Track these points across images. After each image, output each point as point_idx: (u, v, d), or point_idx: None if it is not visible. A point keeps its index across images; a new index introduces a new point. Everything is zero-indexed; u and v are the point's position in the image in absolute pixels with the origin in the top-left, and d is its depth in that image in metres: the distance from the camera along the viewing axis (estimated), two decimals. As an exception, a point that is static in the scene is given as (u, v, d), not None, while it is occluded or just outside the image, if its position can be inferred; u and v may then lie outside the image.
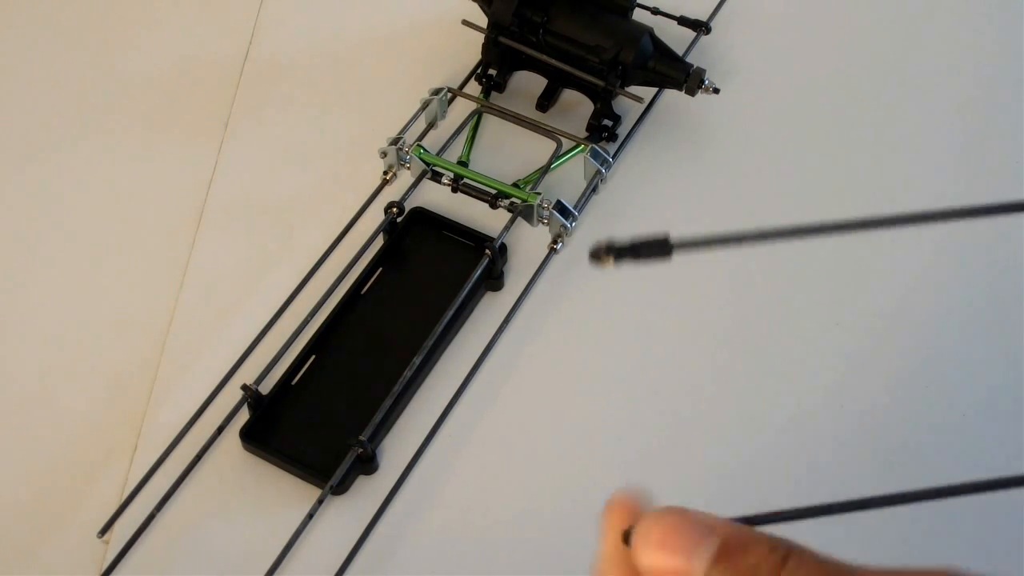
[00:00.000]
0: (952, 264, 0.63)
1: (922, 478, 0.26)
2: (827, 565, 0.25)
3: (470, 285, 0.59)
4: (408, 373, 0.56)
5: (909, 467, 0.55)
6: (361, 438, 0.53)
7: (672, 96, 0.70)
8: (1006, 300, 0.62)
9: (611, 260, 0.26)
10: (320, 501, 0.53)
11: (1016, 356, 0.59)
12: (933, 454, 0.55)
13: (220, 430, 0.56)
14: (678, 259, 0.70)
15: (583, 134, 0.68)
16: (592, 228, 0.65)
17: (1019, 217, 0.66)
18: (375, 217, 0.63)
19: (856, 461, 0.55)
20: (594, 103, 0.68)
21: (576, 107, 0.70)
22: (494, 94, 0.71)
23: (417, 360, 0.56)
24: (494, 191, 0.63)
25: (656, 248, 0.25)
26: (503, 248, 0.62)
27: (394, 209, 0.62)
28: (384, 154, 0.65)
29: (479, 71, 0.71)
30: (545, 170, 0.65)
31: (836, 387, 0.58)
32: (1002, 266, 0.63)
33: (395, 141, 0.64)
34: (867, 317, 0.61)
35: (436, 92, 0.67)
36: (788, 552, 0.25)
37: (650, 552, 0.26)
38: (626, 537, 0.27)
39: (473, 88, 0.71)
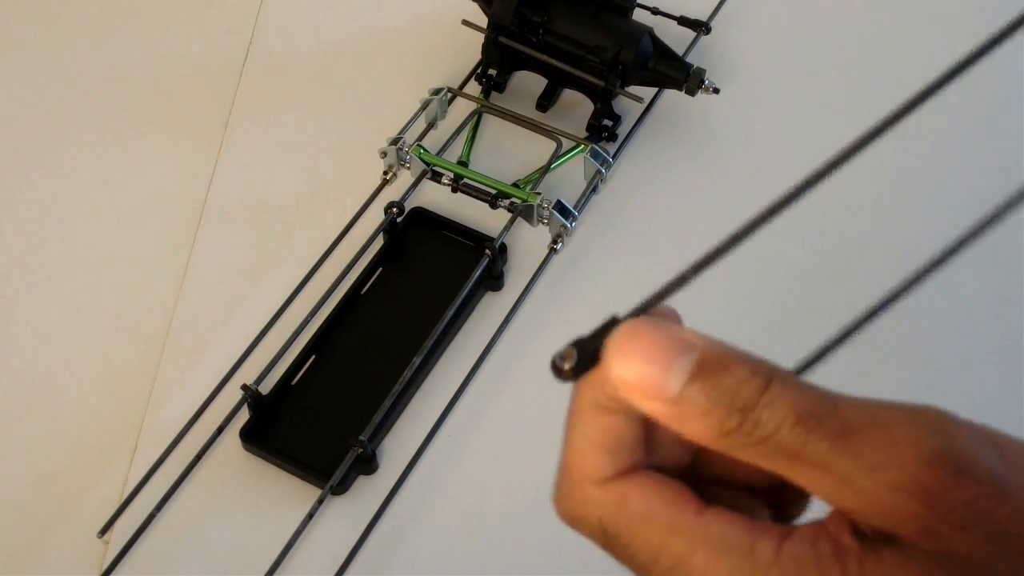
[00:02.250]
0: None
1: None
2: (811, 391, 0.23)
3: (470, 285, 0.59)
4: (408, 373, 0.56)
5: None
6: (361, 438, 0.53)
7: (672, 96, 0.70)
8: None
9: (571, 373, 0.26)
10: (320, 501, 0.53)
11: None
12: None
13: (220, 430, 0.56)
14: (676, 258, 0.70)
15: (583, 134, 0.68)
16: (592, 228, 0.65)
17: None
18: (375, 217, 0.63)
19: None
20: (594, 103, 0.68)
21: (576, 107, 0.70)
22: (494, 94, 0.71)
23: (417, 360, 0.56)
24: (494, 191, 0.63)
25: (607, 330, 0.25)
26: (503, 248, 0.62)
27: (394, 209, 0.62)
28: (384, 154, 0.65)
29: (479, 71, 0.71)
30: (545, 170, 0.65)
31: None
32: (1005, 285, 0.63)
33: (395, 141, 0.64)
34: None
35: (436, 92, 0.67)
36: (771, 375, 0.23)
37: (623, 363, 0.24)
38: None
39: (473, 88, 0.71)
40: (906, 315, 0.61)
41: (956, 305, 0.61)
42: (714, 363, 0.23)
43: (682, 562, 0.24)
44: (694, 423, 0.23)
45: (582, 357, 0.25)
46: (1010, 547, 0.21)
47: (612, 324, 0.25)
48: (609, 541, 0.25)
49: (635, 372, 0.24)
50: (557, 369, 0.26)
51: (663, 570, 0.24)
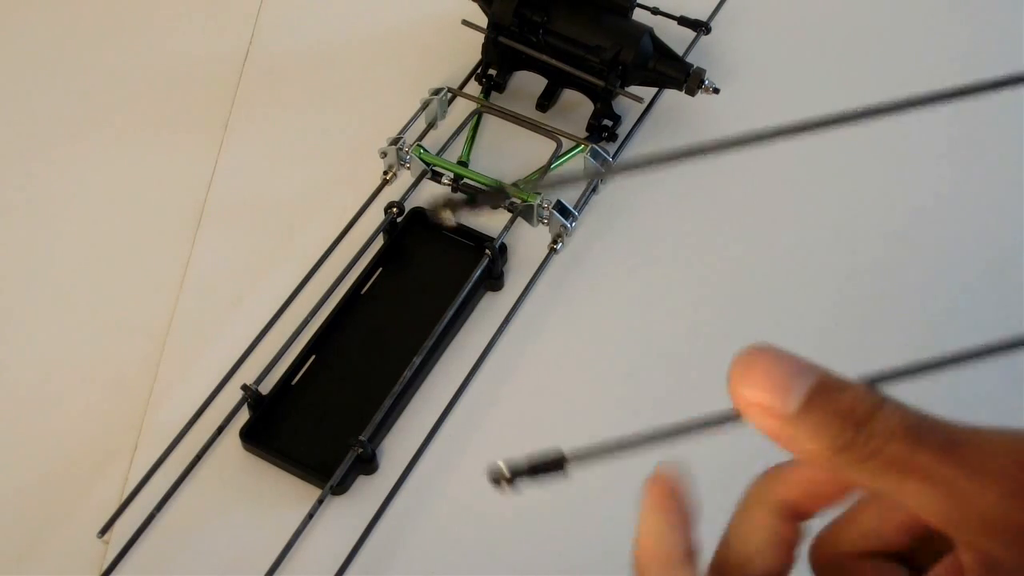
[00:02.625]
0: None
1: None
2: (916, 413, 0.24)
3: (470, 285, 0.59)
4: (408, 373, 0.56)
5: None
6: (361, 438, 0.53)
7: (672, 96, 0.70)
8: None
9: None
10: (320, 501, 0.53)
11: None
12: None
13: (220, 430, 0.56)
14: (676, 258, 0.70)
15: (583, 134, 0.68)
16: (592, 228, 0.65)
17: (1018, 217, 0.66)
18: (375, 217, 0.63)
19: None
20: (594, 103, 0.68)
21: (576, 107, 0.70)
22: (494, 94, 0.71)
23: (417, 360, 0.56)
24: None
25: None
26: (503, 248, 0.62)
27: (394, 209, 0.62)
28: (384, 154, 0.65)
29: (479, 71, 0.71)
30: (545, 170, 0.65)
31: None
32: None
33: (395, 141, 0.64)
34: (871, 320, 0.61)
35: (436, 92, 0.67)
36: (883, 398, 0.25)
37: (746, 383, 0.25)
38: (494, 476, 0.28)
39: (473, 88, 0.71)
40: (906, 312, 0.61)
41: (956, 305, 0.62)
42: (831, 384, 0.25)
43: None
44: (810, 441, 0.25)
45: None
46: None
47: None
48: None
49: (757, 391, 0.25)
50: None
51: None
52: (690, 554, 0.28)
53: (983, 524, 0.23)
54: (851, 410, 0.24)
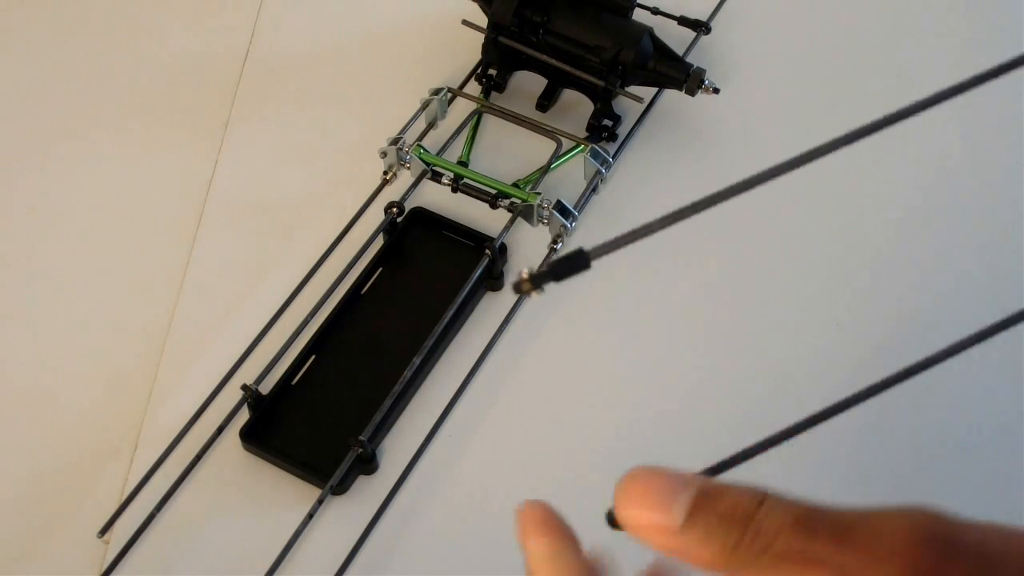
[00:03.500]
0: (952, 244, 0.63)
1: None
2: (803, 502, 0.25)
3: (470, 285, 0.59)
4: (408, 373, 0.56)
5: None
6: (361, 438, 0.53)
7: (672, 96, 0.70)
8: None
9: (530, 287, 0.27)
10: (320, 501, 0.53)
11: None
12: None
13: (220, 430, 0.56)
14: (677, 258, 0.71)
15: (583, 134, 0.68)
16: (592, 228, 0.65)
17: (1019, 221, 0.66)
18: (375, 217, 0.63)
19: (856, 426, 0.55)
20: (594, 103, 0.68)
21: (576, 107, 0.70)
22: (494, 94, 0.71)
23: (417, 360, 0.56)
24: (494, 191, 0.63)
25: (574, 262, 0.27)
26: (503, 248, 0.62)
27: (394, 209, 0.62)
28: (384, 154, 0.65)
29: (479, 71, 0.71)
30: (545, 170, 0.65)
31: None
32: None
33: (395, 141, 0.64)
34: (868, 323, 0.61)
35: (436, 92, 0.67)
36: (764, 495, 0.25)
37: (630, 508, 0.26)
38: (610, 519, 0.28)
39: (473, 88, 0.71)
40: (905, 317, 0.61)
41: (956, 306, 0.61)
42: (711, 491, 0.26)
43: None
44: (701, 549, 0.25)
45: (536, 278, 0.28)
46: None
47: (581, 255, 0.28)
48: None
49: (642, 514, 0.26)
50: (517, 289, 0.28)
51: None
52: (592, 570, 0.29)
53: None
54: (733, 510, 0.25)
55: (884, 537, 0.24)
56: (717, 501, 0.25)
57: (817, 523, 0.24)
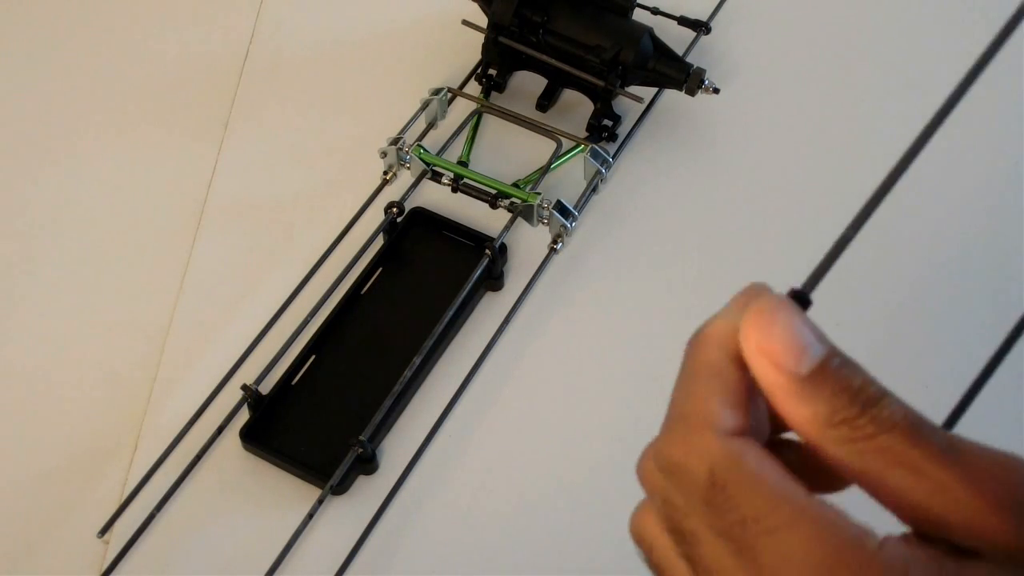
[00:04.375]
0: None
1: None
2: (919, 415, 0.24)
3: (470, 285, 0.59)
4: (408, 373, 0.56)
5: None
6: (361, 438, 0.53)
7: (672, 96, 0.70)
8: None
9: None
10: (320, 501, 0.53)
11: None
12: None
13: (220, 430, 0.56)
14: (676, 258, 0.70)
15: (583, 134, 0.68)
16: (592, 228, 0.65)
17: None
18: (375, 217, 0.63)
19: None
20: (594, 103, 0.68)
21: (576, 107, 0.70)
22: (494, 94, 0.71)
23: (417, 360, 0.56)
24: (494, 191, 0.63)
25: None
26: (503, 248, 0.62)
27: (394, 209, 0.62)
28: (384, 154, 0.65)
29: (479, 71, 0.71)
30: (545, 170, 0.65)
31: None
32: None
33: (395, 141, 0.64)
34: (868, 323, 0.61)
35: (436, 92, 0.67)
36: (888, 391, 0.25)
37: (766, 328, 0.25)
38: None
39: (473, 88, 0.71)
40: (905, 313, 0.61)
41: (956, 304, 0.61)
42: (844, 360, 0.25)
43: (785, 529, 0.24)
44: (808, 406, 0.24)
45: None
46: None
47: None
48: (711, 492, 0.25)
49: (776, 340, 0.25)
50: None
51: (761, 530, 0.24)
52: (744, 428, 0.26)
53: (971, 530, 0.23)
54: (860, 390, 0.24)
55: (988, 469, 0.23)
56: (848, 372, 0.25)
57: (928, 434, 0.24)
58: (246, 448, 0.56)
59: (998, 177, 0.68)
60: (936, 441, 0.24)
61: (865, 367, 0.25)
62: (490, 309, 0.62)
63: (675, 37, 0.70)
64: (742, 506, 0.25)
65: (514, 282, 0.62)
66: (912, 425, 0.24)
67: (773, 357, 0.25)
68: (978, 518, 0.23)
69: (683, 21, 0.72)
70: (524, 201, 0.62)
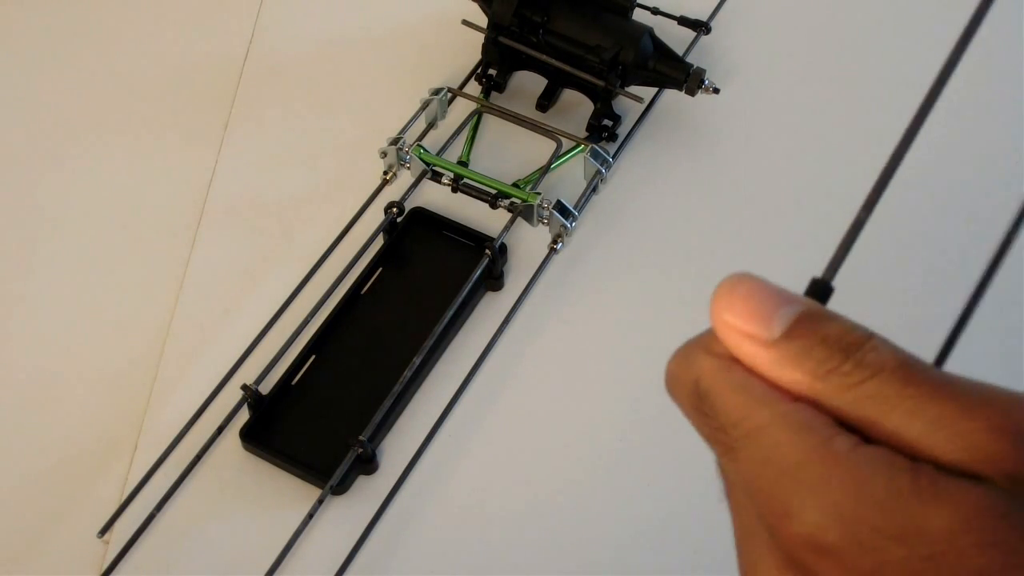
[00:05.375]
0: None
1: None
2: (908, 353, 0.24)
3: (470, 285, 0.59)
4: (408, 373, 0.56)
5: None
6: (361, 438, 0.53)
7: (672, 96, 0.70)
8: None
9: None
10: (320, 501, 0.53)
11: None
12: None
13: (220, 430, 0.56)
14: (677, 258, 0.70)
15: (583, 134, 0.68)
16: (592, 228, 0.65)
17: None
18: (375, 217, 0.63)
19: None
20: (594, 103, 0.68)
21: (576, 107, 0.70)
22: (494, 94, 0.71)
23: (417, 360, 0.56)
24: (494, 191, 0.63)
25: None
26: (503, 248, 0.62)
27: (394, 209, 0.62)
28: (384, 154, 0.65)
29: (479, 71, 0.71)
30: (545, 170, 0.65)
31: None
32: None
33: (395, 141, 0.64)
34: (868, 323, 0.61)
35: (436, 92, 0.67)
36: (872, 334, 0.24)
37: (725, 315, 0.25)
38: None
39: (473, 88, 0.71)
40: (906, 317, 0.61)
41: (957, 307, 0.61)
42: (818, 313, 0.25)
43: (760, 431, 0.24)
44: (791, 368, 0.24)
45: None
46: None
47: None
48: (697, 402, 0.26)
49: (739, 311, 0.25)
50: None
51: (739, 435, 0.25)
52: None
53: (970, 455, 0.23)
54: (840, 338, 0.24)
55: (991, 395, 0.23)
56: (823, 324, 0.24)
57: (921, 368, 0.24)
58: (246, 448, 0.56)
59: (999, 173, 0.68)
60: (928, 377, 0.23)
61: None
62: (490, 309, 0.62)
63: (675, 37, 0.70)
64: (721, 412, 0.25)
65: (514, 282, 0.62)
66: (901, 365, 0.24)
67: (743, 329, 0.25)
68: (979, 446, 0.23)
69: (683, 21, 0.72)
70: (524, 201, 0.62)
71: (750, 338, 0.25)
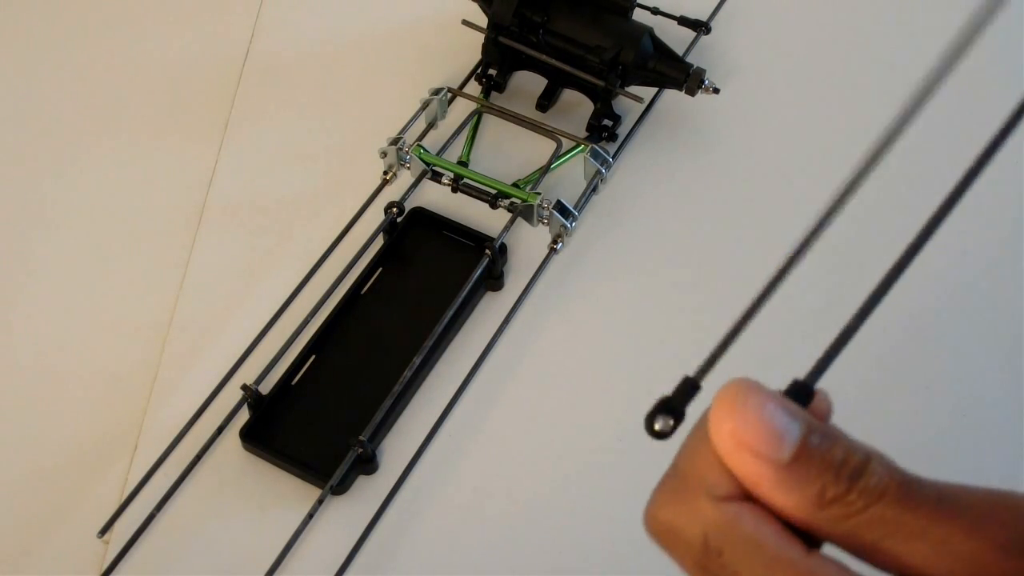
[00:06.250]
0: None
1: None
2: (908, 472, 0.23)
3: (470, 285, 0.59)
4: (408, 373, 0.56)
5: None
6: (361, 438, 0.53)
7: (672, 96, 0.70)
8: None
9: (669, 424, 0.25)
10: (320, 501, 0.53)
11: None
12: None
13: (220, 430, 0.56)
14: (677, 258, 0.70)
15: (583, 134, 0.68)
16: (592, 228, 0.65)
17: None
18: (375, 217, 0.63)
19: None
20: (594, 103, 0.68)
21: (576, 107, 0.70)
22: (494, 94, 0.71)
23: (417, 360, 0.56)
24: (494, 191, 0.63)
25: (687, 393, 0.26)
26: (503, 248, 0.62)
27: (394, 209, 0.62)
28: (384, 154, 0.65)
29: (479, 71, 0.71)
30: (545, 170, 0.65)
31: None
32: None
33: (395, 141, 0.64)
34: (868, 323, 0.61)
35: (436, 92, 0.67)
36: (871, 452, 0.23)
37: (737, 420, 0.24)
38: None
39: (473, 88, 0.71)
40: (907, 317, 0.61)
41: (957, 305, 0.61)
42: (821, 434, 0.24)
43: None
44: (795, 492, 0.23)
45: (676, 420, 0.25)
46: None
47: (691, 386, 0.26)
48: (705, 558, 0.24)
49: (749, 433, 0.23)
50: (654, 432, 0.26)
51: None
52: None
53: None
54: (843, 462, 0.23)
55: (985, 514, 0.23)
56: (828, 446, 0.23)
57: (919, 492, 0.23)
58: (246, 448, 0.56)
59: (999, 172, 0.68)
60: (928, 497, 0.23)
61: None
62: (490, 309, 0.62)
63: (675, 37, 0.70)
64: (740, 573, 0.24)
65: (514, 282, 0.62)
66: (901, 487, 0.23)
67: (752, 447, 0.23)
68: (987, 567, 0.22)
69: (683, 21, 0.72)
70: (524, 201, 0.62)
71: (758, 457, 0.23)
